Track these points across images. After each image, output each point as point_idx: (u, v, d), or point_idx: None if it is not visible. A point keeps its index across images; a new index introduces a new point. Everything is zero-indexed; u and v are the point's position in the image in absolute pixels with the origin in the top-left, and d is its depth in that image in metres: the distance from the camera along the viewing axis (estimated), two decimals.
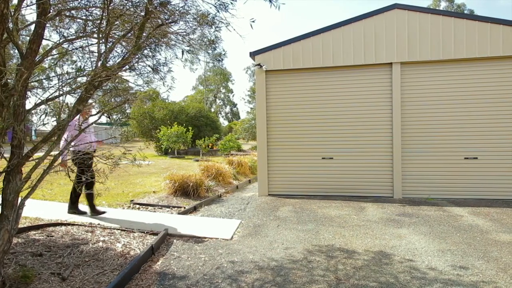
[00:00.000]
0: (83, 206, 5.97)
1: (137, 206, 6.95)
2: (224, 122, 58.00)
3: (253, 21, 3.54)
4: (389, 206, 6.96)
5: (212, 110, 55.68)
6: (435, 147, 7.78)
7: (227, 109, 63.13)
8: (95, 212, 5.78)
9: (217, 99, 60.60)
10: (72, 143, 4.90)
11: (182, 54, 3.46)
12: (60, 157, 4.11)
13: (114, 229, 5.04)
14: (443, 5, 38.70)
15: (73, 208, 5.81)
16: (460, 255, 4.26)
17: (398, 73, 7.81)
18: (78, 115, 3.88)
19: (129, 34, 3.44)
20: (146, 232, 4.96)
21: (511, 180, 7.46)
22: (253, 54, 8.43)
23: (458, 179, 7.68)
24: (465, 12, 37.14)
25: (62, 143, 4.98)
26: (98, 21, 3.27)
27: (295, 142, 8.32)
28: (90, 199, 5.73)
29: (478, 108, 7.60)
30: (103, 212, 5.91)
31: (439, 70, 7.77)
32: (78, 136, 4.69)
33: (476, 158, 7.61)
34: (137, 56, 3.40)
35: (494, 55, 7.40)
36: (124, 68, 3.22)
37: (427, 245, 4.61)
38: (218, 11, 3.48)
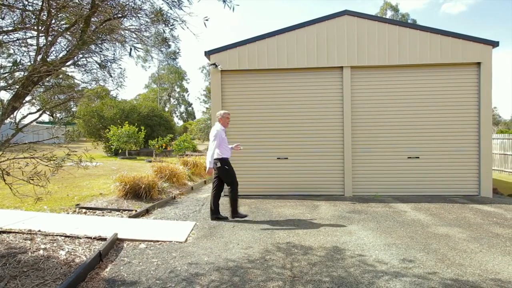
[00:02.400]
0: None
1: (84, 210, 6.54)
2: (178, 122, 56.77)
3: (206, 20, 3.48)
4: (341, 204, 7.25)
5: (166, 109, 54.19)
6: (382, 147, 8.25)
7: (182, 108, 61.84)
8: (237, 216, 6.00)
9: (171, 98, 59.08)
10: (218, 151, 5.82)
11: (131, 51, 3.29)
12: (209, 165, 5.19)
13: (57, 235, 4.69)
14: (389, 14, 41.21)
15: (216, 213, 6.03)
16: (404, 248, 4.55)
17: (348, 77, 8.17)
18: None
19: (74, 28, 3.21)
20: (93, 238, 4.68)
21: (448, 177, 8.14)
22: (208, 54, 8.33)
23: (403, 177, 8.21)
24: (409, 21, 39.89)
25: (210, 152, 5.70)
26: (38, 12, 3.01)
27: (251, 143, 8.36)
28: (233, 203, 6.03)
29: (420, 111, 8.19)
30: (245, 216, 6.05)
31: (386, 74, 8.25)
32: (222, 145, 5.81)
33: (418, 157, 8.20)
34: (82, 52, 3.18)
35: (433, 62, 8.03)
36: (68, 63, 3.00)
37: (374, 240, 4.86)
38: (171, 8, 3.37)
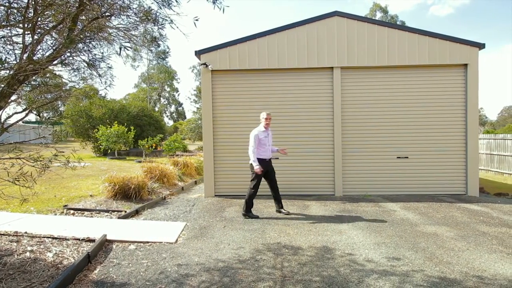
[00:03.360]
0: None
1: (72, 211, 6.44)
2: (169, 122, 56.35)
3: (196, 20, 3.46)
4: (331, 204, 7.29)
5: (156, 109, 53.73)
6: (371, 147, 8.33)
7: (172, 108, 61.43)
8: (248, 215, 6.23)
9: (161, 98, 58.63)
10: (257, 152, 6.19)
11: (120, 50, 3.25)
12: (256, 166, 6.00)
13: (44, 237, 4.61)
14: (378, 15, 41.64)
15: (248, 211, 6.25)
16: (393, 247, 4.60)
17: (338, 77, 8.22)
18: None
19: (61, 26, 3.15)
20: (82, 239, 4.61)
21: (436, 177, 8.26)
22: (198, 53, 8.29)
23: (392, 177, 8.30)
24: (397, 23, 40.38)
25: (253, 154, 6.13)
26: (24, 10, 2.95)
27: (241, 143, 8.34)
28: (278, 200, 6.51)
29: (409, 112, 8.29)
30: (256, 216, 6.23)
31: (375, 75, 8.33)
32: (258, 146, 6.21)
33: (407, 157, 8.30)
34: (70, 50, 3.13)
35: (421, 63, 8.13)
36: (54, 62, 2.95)
37: (364, 239, 4.91)
38: (160, 8, 3.34)
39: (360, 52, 8.19)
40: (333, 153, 8.29)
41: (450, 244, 4.69)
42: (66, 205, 6.81)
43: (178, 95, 60.91)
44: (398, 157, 8.31)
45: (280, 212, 6.48)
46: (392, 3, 62.47)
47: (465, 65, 8.14)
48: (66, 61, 3.24)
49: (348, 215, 6.29)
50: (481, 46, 8.09)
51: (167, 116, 60.11)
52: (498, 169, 15.15)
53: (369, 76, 8.34)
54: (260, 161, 6.16)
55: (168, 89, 58.68)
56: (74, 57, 3.36)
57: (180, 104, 61.49)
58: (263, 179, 6.35)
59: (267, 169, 6.27)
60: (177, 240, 4.91)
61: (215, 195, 8.31)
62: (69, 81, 3.72)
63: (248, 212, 6.22)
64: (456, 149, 8.26)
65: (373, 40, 8.17)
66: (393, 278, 3.62)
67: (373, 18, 38.31)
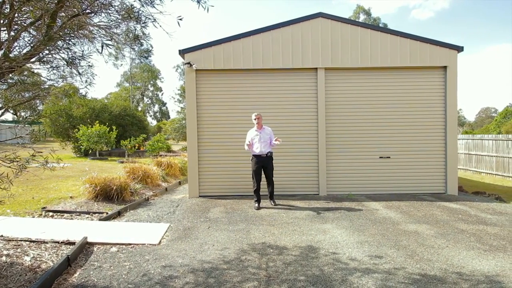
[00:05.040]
0: None
1: (51, 213, 6.26)
2: (152, 122, 55.61)
3: (180, 19, 3.42)
4: (315, 203, 7.35)
5: (139, 108, 52.90)
6: (355, 147, 8.44)
7: (156, 108, 60.62)
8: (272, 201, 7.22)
9: (144, 97, 57.77)
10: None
11: (102, 48, 3.17)
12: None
13: (21, 240, 4.46)
14: (362, 18, 42.27)
15: (255, 202, 7.04)
16: (375, 245, 4.67)
17: (322, 78, 8.29)
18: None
19: (39, 23, 3.05)
20: (61, 242, 4.49)
21: (417, 176, 8.44)
22: (182, 52, 8.21)
23: (375, 177, 8.44)
24: (380, 25, 41.11)
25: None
26: (0, 5, 2.84)
27: (226, 143, 8.31)
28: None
29: (391, 112, 8.44)
30: (275, 204, 7.13)
31: (358, 76, 8.45)
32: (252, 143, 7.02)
33: (389, 157, 8.45)
34: (48, 48, 3.03)
35: (403, 65, 8.30)
36: (32, 59, 2.85)
37: (348, 238, 4.97)
38: (143, 6, 3.28)
39: (344, 53, 8.29)
40: (318, 153, 8.36)
41: (430, 242, 4.80)
42: (44, 207, 6.61)
43: (162, 94, 60.23)
44: (380, 157, 8.45)
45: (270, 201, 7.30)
46: (375, 5, 63.66)
47: (445, 67, 8.36)
48: (45, 59, 3.14)
49: (332, 215, 6.35)
50: (459, 49, 8.32)
51: (151, 116, 59.31)
52: (476, 169, 15.64)
53: (353, 77, 8.45)
54: (256, 157, 6.95)
55: (151, 89, 57.87)
56: (53, 55, 3.26)
57: (164, 104, 60.76)
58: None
59: (262, 165, 6.96)
60: (160, 241, 4.84)
61: (200, 196, 8.24)
62: (47, 79, 3.61)
63: (255, 203, 7.06)
64: (436, 149, 8.46)
65: (357, 42, 8.29)
66: (376, 276, 3.68)
67: (357, 20, 38.82)
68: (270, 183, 7.16)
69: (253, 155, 7.01)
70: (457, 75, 8.32)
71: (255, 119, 6.98)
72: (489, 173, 14.70)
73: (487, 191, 9.63)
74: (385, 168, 8.45)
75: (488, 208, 6.98)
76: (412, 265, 3.99)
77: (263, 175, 7.13)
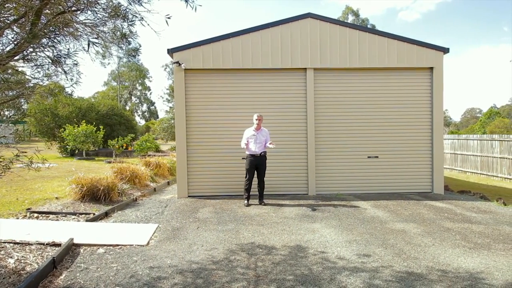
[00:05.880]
0: None
1: (36, 215, 6.13)
2: (140, 121, 54.98)
3: (168, 18, 3.39)
4: (305, 203, 7.39)
5: (127, 108, 52.23)
6: (343, 147, 8.51)
7: (144, 107, 60.04)
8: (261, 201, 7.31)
9: (132, 97, 57.13)
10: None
11: (88, 46, 3.12)
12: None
13: (5, 242, 4.35)
14: (350, 18, 42.62)
15: (245, 199, 7.26)
16: (364, 244, 4.72)
17: (311, 78, 8.34)
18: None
19: (23, 20, 2.98)
20: (46, 244, 4.40)
21: (405, 176, 8.56)
22: (171, 51, 8.14)
23: (363, 176, 8.52)
24: (368, 26, 41.55)
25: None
26: None
27: (215, 142, 8.28)
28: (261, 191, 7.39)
29: (379, 112, 8.54)
30: (263, 203, 7.23)
31: (347, 77, 8.52)
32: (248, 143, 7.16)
33: (377, 157, 8.55)
34: (33, 45, 2.96)
35: (390, 65, 8.40)
36: (16, 57, 2.78)
37: (336, 237, 5.00)
38: (130, 4, 3.24)
39: (333, 53, 8.34)
40: (307, 153, 8.40)
41: (417, 240, 4.88)
42: (29, 208, 6.47)
43: (150, 93, 59.69)
44: (368, 157, 8.54)
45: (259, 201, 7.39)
46: (363, 7, 64.32)
47: (431, 68, 8.50)
48: (29, 57, 3.06)
49: (321, 214, 6.39)
50: (445, 50, 8.47)
51: (139, 115, 58.70)
52: (462, 168, 15.96)
53: (341, 77, 8.51)
54: (250, 155, 7.14)
55: (139, 88, 57.29)
56: (38, 53, 3.19)
57: (153, 103, 60.21)
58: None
59: (256, 163, 7.15)
60: (148, 242, 4.79)
61: (189, 196, 8.19)
62: (32, 77, 3.53)
63: (244, 200, 7.28)
64: (422, 149, 8.60)
65: (345, 43, 8.36)
66: (363, 274, 3.71)
67: (346, 21, 39.20)
68: (261, 183, 7.31)
69: (248, 153, 7.17)
70: (443, 76, 8.47)
71: (256, 119, 7.14)
72: (474, 172, 15.02)
73: (472, 190, 9.83)
74: (373, 167, 8.54)
75: (473, 207, 7.12)
76: (399, 263, 4.04)
77: (255, 174, 7.28)
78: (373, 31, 8.70)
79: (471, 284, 3.50)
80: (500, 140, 13.70)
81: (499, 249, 4.54)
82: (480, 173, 14.65)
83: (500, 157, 13.63)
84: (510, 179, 13.11)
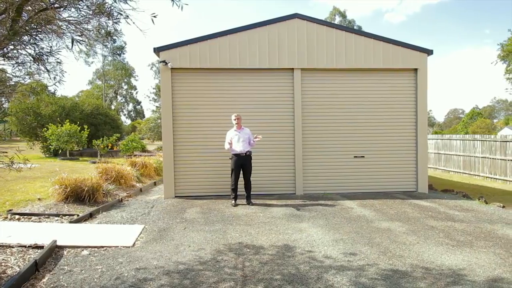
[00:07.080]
0: None
1: (17, 216, 5.96)
2: (126, 121, 54.30)
3: (154, 16, 3.35)
4: (292, 202, 7.42)
5: (113, 107, 51.43)
6: (330, 147, 8.58)
7: (130, 107, 59.27)
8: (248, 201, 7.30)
9: (118, 96, 56.28)
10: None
11: (72, 43, 3.05)
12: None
13: None
14: (337, 19, 43.02)
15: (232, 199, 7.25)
16: (350, 243, 4.77)
17: (299, 78, 8.38)
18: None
19: (4, 16, 2.89)
20: (28, 246, 4.29)
21: (390, 175, 8.69)
22: (157, 50, 8.05)
23: (349, 176, 8.61)
24: (354, 27, 42.04)
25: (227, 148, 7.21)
26: None
27: (202, 142, 8.23)
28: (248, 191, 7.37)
29: (365, 113, 8.65)
30: (250, 203, 7.22)
31: (334, 77, 8.59)
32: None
33: (363, 157, 8.65)
34: (13, 43, 2.88)
35: (376, 66, 8.52)
36: None
37: (323, 236, 5.04)
38: (115, 1, 3.18)
39: (320, 54, 8.40)
40: (294, 153, 8.44)
41: (402, 239, 4.96)
42: (10, 210, 6.29)
43: (136, 93, 58.92)
44: (355, 157, 8.64)
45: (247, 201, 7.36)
46: (350, 8, 65.04)
47: (416, 69, 8.65)
48: (10, 54, 2.97)
49: (308, 214, 6.43)
50: (429, 52, 8.64)
51: (125, 115, 57.93)
52: (445, 167, 16.32)
53: (328, 77, 8.58)
54: (235, 155, 7.12)
55: (125, 87, 56.47)
56: (19, 50, 3.10)
57: (139, 103, 59.50)
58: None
59: (241, 163, 7.13)
60: (134, 243, 4.73)
61: (176, 196, 8.12)
62: (13, 75, 3.43)
63: (231, 200, 7.28)
64: (407, 149, 8.74)
65: (332, 43, 8.43)
66: (350, 272, 3.75)
67: (333, 21, 39.54)
68: (248, 183, 7.30)
69: (233, 154, 7.15)
70: (427, 77, 8.63)
71: (234, 119, 7.16)
72: (457, 172, 15.38)
73: (455, 189, 10.05)
74: (359, 167, 8.64)
75: (456, 205, 7.29)
76: (384, 261, 4.10)
77: (241, 174, 7.27)
78: (360, 32, 8.81)
79: (454, 280, 3.58)
80: (481, 140, 14.06)
81: (480, 246, 4.66)
82: (463, 172, 15.00)
83: (482, 157, 13.99)
84: (491, 178, 13.48)
